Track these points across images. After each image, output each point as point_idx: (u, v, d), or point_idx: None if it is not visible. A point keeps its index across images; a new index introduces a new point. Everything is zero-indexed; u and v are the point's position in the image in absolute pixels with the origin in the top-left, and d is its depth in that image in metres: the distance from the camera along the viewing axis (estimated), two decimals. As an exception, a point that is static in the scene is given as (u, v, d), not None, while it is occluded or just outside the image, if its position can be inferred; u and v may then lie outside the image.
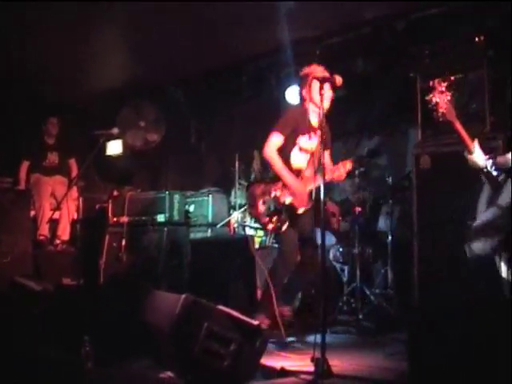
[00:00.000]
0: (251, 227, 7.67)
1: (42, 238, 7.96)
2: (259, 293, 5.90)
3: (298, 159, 5.41)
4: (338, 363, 4.33)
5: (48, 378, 3.78)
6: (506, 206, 4.33)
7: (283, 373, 4.11)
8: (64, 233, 8.17)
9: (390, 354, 4.77)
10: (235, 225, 7.45)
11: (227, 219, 7.74)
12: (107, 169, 9.87)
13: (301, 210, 5.30)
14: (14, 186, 7.70)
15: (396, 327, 5.93)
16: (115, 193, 7.75)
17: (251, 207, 5.52)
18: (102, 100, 9.67)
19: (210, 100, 9.39)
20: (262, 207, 5.38)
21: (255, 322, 3.89)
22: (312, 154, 5.37)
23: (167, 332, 3.87)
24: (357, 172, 6.53)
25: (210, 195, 7.92)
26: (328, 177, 5.11)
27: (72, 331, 4.38)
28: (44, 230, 8.03)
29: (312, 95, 5.35)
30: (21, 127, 9.10)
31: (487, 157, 4.48)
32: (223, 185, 8.59)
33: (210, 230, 7.71)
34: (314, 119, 5.45)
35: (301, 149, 5.39)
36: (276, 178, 5.41)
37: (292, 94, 7.81)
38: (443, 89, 4.56)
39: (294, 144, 5.40)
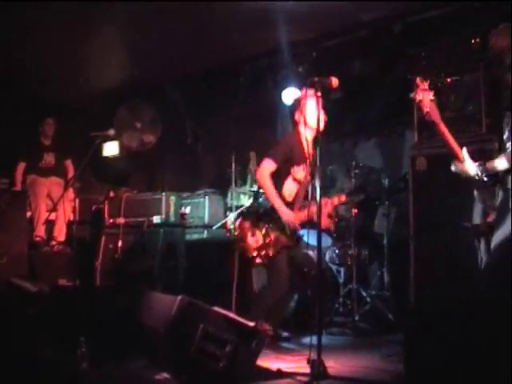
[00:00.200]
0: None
1: (38, 239, 7.96)
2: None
3: (291, 189, 5.39)
4: (334, 365, 4.34)
5: (44, 379, 3.79)
6: None
7: (279, 374, 4.11)
8: (60, 234, 8.15)
9: (386, 356, 4.77)
10: (231, 226, 7.44)
11: (223, 221, 7.74)
12: (103, 170, 9.86)
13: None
14: (10, 186, 7.70)
15: (392, 329, 5.95)
16: (111, 194, 7.75)
17: (240, 241, 5.48)
18: (99, 101, 9.67)
19: (206, 101, 9.38)
20: (250, 239, 5.36)
21: (251, 324, 3.89)
22: (302, 184, 5.38)
23: (163, 333, 3.87)
24: (353, 173, 6.54)
25: (207, 197, 7.93)
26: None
27: (68, 332, 4.38)
28: (40, 231, 8.02)
29: (306, 119, 5.22)
30: (17, 128, 9.08)
31: (477, 163, 4.35)
32: (219, 186, 8.58)
33: (206, 232, 7.71)
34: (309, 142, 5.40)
35: (294, 179, 5.37)
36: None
37: (288, 96, 7.81)
38: (426, 87, 4.50)
39: (288, 173, 5.37)
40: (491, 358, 3.15)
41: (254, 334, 3.83)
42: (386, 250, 6.74)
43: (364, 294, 6.45)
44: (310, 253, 5.93)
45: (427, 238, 5.76)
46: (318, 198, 4.25)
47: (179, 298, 3.93)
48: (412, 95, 4.54)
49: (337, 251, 6.88)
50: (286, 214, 5.26)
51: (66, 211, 8.11)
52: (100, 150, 9.53)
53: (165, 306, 4.03)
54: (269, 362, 4.46)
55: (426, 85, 4.47)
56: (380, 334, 5.94)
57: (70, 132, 9.15)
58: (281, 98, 7.95)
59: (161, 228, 7.06)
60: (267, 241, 5.25)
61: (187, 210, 7.54)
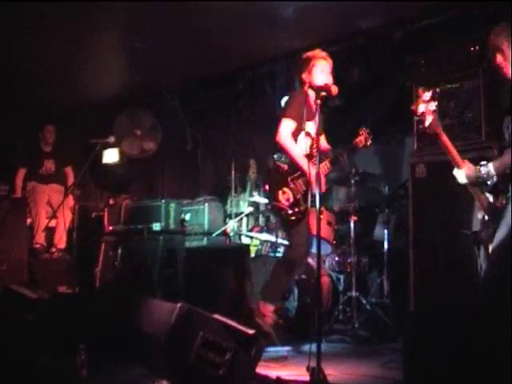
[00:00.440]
0: (247, 236, 7.67)
1: (37, 245, 7.95)
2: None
3: (306, 144, 5.22)
4: (334, 372, 4.33)
5: (43, 386, 3.78)
6: None
7: (279, 382, 4.10)
8: (60, 241, 8.14)
9: (385, 363, 4.77)
10: (231, 233, 7.45)
11: (223, 228, 7.74)
12: (103, 177, 9.87)
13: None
14: (10, 193, 7.70)
15: (392, 336, 5.94)
16: (111, 201, 7.76)
17: (273, 200, 5.32)
18: (99, 108, 9.68)
19: (206, 108, 9.40)
20: (282, 198, 5.26)
21: (251, 331, 3.88)
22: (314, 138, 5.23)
23: (162, 341, 3.86)
24: (352, 181, 6.53)
25: (206, 204, 7.93)
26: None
27: (67, 339, 4.37)
28: (40, 237, 8.01)
29: (312, 79, 5.22)
30: (17, 135, 9.09)
31: (479, 166, 4.34)
32: (219, 193, 8.59)
33: (205, 239, 7.70)
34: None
35: (307, 134, 5.22)
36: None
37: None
38: (428, 98, 4.48)
39: (300, 130, 5.24)
40: (491, 365, 3.15)
41: (253, 341, 3.83)
42: (385, 257, 6.73)
43: (364, 301, 6.44)
44: (310, 260, 5.93)
45: (427, 246, 5.76)
46: (317, 206, 4.25)
47: (179, 305, 3.92)
48: (413, 107, 4.52)
49: (336, 259, 6.88)
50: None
51: (66, 218, 8.12)
52: (100, 157, 9.53)
53: (164, 314, 4.03)
54: (268, 369, 4.46)
55: (428, 95, 4.45)
56: (380, 341, 5.93)
57: (71, 139, 9.17)
58: (280, 106, 7.96)
59: (160, 235, 7.07)
60: (298, 197, 5.18)
61: (187, 217, 7.55)
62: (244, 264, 6.13)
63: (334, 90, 4.83)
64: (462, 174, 4.33)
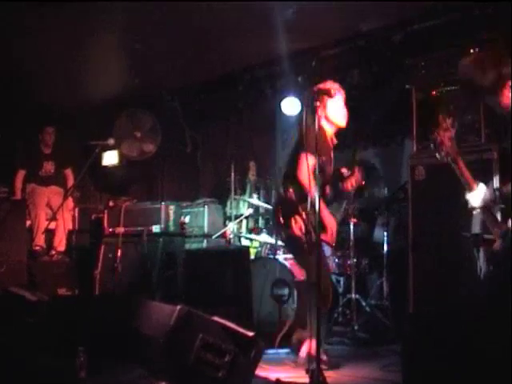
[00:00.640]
0: (247, 238, 7.67)
1: (37, 248, 7.94)
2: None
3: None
4: (333, 374, 4.34)
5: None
6: None
7: (278, 384, 4.11)
8: (60, 244, 8.13)
9: (385, 365, 4.77)
10: (231, 235, 7.44)
11: (223, 230, 7.73)
12: (103, 179, 9.87)
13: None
14: (9, 195, 7.69)
15: (391, 338, 5.94)
16: (111, 203, 7.74)
17: (286, 229, 5.18)
18: (98, 110, 9.68)
19: (205, 110, 9.41)
20: (295, 227, 5.14)
21: (250, 333, 3.88)
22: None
23: (162, 343, 3.86)
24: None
25: (206, 206, 7.92)
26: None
27: (67, 341, 4.37)
28: (40, 240, 8.00)
29: (328, 115, 5.15)
30: (17, 136, 9.09)
31: (490, 189, 4.30)
32: (219, 195, 8.59)
33: (205, 241, 7.70)
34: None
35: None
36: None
37: (288, 105, 7.83)
38: (448, 125, 4.43)
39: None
40: (491, 368, 3.14)
41: (253, 343, 3.83)
42: (385, 259, 6.73)
43: (363, 303, 6.44)
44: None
45: (426, 248, 5.76)
46: (317, 207, 4.25)
47: (178, 307, 3.92)
48: (432, 136, 4.46)
49: (336, 261, 6.88)
50: (330, 223, 5.12)
51: (66, 220, 8.11)
52: (99, 159, 9.52)
53: (164, 316, 4.03)
54: (268, 371, 4.46)
55: (448, 123, 4.41)
56: (379, 343, 5.94)
57: (70, 141, 9.16)
58: (280, 108, 7.97)
59: (160, 237, 7.05)
60: (309, 227, 5.12)
61: (186, 219, 7.54)
62: (244, 266, 6.13)
63: (334, 92, 4.85)
64: (476, 197, 4.32)
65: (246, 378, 3.83)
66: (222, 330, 3.82)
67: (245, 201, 7.97)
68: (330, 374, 4.11)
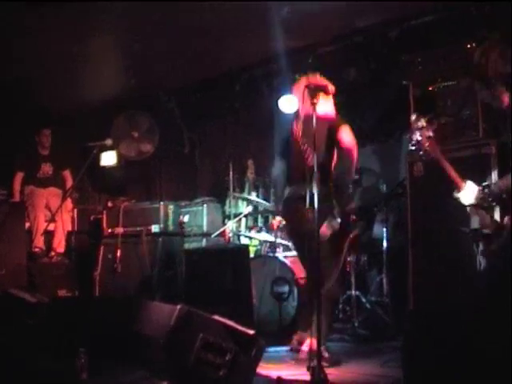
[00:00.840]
0: (246, 236, 7.66)
1: (36, 249, 7.94)
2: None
3: None
4: (334, 371, 4.34)
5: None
6: None
7: (280, 382, 4.10)
8: (60, 245, 8.13)
9: (385, 362, 4.77)
10: (230, 234, 7.43)
11: (222, 229, 7.73)
12: (101, 180, 9.86)
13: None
14: (8, 197, 7.69)
15: (391, 335, 5.94)
16: (110, 204, 7.74)
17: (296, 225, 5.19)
18: (96, 111, 9.67)
19: (203, 109, 9.40)
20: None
21: (250, 332, 3.88)
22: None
23: (162, 343, 3.86)
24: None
25: (205, 205, 7.91)
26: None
27: (67, 342, 4.37)
28: (39, 241, 8.01)
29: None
30: (14, 138, 9.08)
31: (481, 187, 4.28)
32: (217, 194, 8.58)
33: (204, 240, 7.70)
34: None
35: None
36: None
37: (285, 103, 7.81)
38: (423, 125, 4.39)
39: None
40: (491, 364, 3.14)
41: (253, 341, 3.83)
42: (384, 255, 6.73)
43: (363, 300, 6.44)
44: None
45: (425, 244, 5.76)
46: (315, 205, 4.25)
47: (178, 307, 3.92)
48: (408, 137, 4.44)
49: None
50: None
51: (65, 222, 8.12)
52: (97, 159, 9.50)
53: (164, 316, 4.03)
54: (269, 369, 4.46)
55: (422, 122, 4.37)
56: (379, 339, 5.94)
57: (68, 142, 9.16)
58: (277, 106, 7.95)
59: (159, 237, 7.06)
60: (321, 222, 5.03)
61: (185, 218, 7.52)
62: (243, 264, 6.13)
63: (331, 88, 4.84)
64: (465, 196, 4.30)
65: (247, 376, 3.83)
66: (222, 329, 3.82)
67: (244, 199, 7.96)
68: (331, 371, 4.11)
